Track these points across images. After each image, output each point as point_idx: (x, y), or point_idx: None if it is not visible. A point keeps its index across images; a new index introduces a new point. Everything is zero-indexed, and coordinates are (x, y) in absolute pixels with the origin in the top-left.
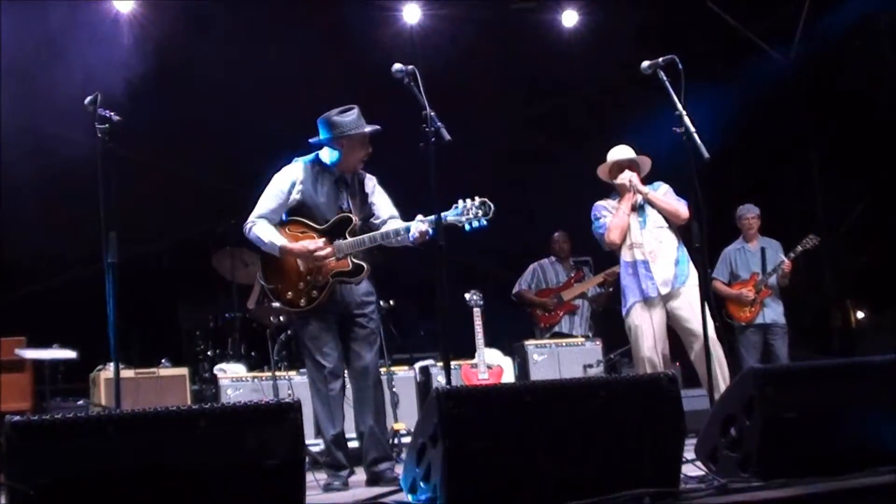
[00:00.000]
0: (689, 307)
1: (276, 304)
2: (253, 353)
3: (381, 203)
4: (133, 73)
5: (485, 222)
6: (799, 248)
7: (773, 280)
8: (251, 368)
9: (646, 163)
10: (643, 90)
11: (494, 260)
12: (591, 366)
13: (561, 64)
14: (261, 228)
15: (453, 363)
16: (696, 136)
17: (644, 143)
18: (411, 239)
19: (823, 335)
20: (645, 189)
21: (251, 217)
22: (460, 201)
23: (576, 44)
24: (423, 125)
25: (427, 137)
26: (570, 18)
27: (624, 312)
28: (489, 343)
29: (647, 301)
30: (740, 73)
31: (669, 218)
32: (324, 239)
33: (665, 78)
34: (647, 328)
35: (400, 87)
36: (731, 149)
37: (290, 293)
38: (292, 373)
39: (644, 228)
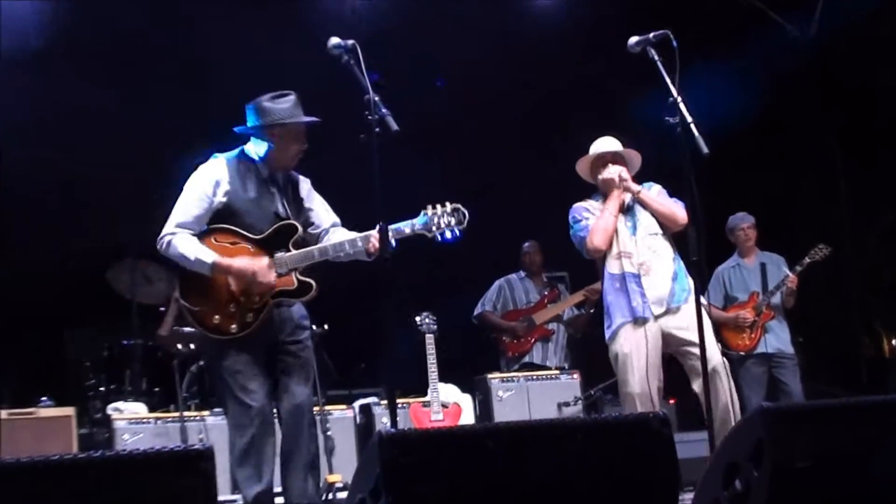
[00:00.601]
0: (694, 326)
1: (189, 329)
2: (156, 389)
3: (320, 209)
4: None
5: (458, 232)
6: (806, 261)
7: (776, 300)
8: (153, 408)
9: (634, 158)
10: (631, 71)
11: (452, 275)
12: (567, 404)
13: (536, 42)
14: (183, 241)
15: (400, 401)
16: (694, 127)
17: (631, 136)
18: (363, 251)
19: (848, 365)
20: (636, 187)
21: (168, 227)
22: (429, 208)
23: (553, 14)
24: (364, 113)
25: (369, 127)
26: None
27: (608, 336)
28: (445, 377)
29: (637, 322)
30: (749, 52)
31: (664, 223)
32: (267, 259)
33: (657, 57)
34: (637, 356)
35: (338, 68)
36: (738, 143)
37: (217, 317)
38: (205, 413)
39: (634, 235)
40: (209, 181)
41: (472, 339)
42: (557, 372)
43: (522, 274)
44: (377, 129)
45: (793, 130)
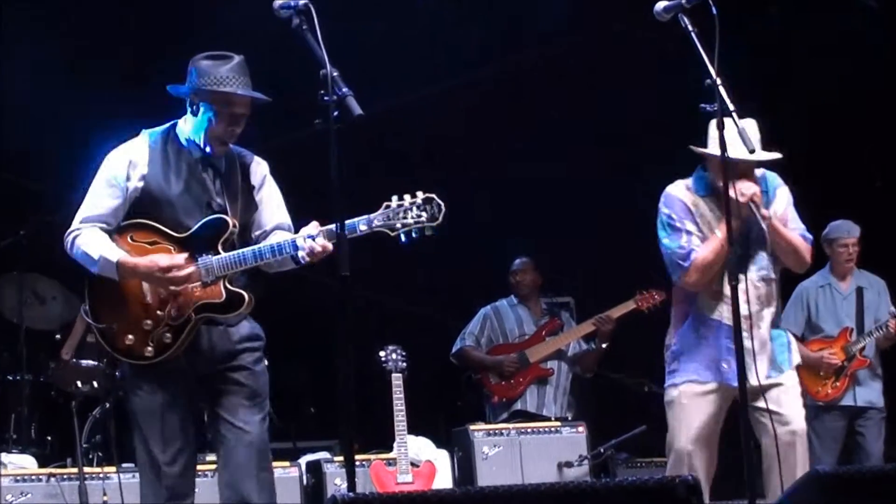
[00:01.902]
0: (788, 395)
1: (89, 363)
2: (49, 438)
3: (268, 204)
4: None
5: (431, 230)
6: None
7: (870, 343)
8: (45, 462)
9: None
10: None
11: (427, 300)
12: (570, 464)
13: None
14: (88, 238)
15: (359, 458)
16: (736, 117)
17: (651, 123)
18: (298, 256)
19: None
20: (767, 213)
21: (75, 222)
22: (394, 199)
23: None
24: (320, 92)
25: (326, 111)
26: None
27: (668, 383)
28: (416, 427)
29: (718, 388)
30: (807, 21)
31: (782, 259)
32: (184, 255)
33: (691, 28)
34: (699, 412)
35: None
36: (797, 136)
37: (129, 336)
38: (110, 469)
39: (743, 275)
40: (121, 163)
41: (451, 381)
42: (558, 424)
43: (514, 300)
44: (335, 113)
45: (863, 118)
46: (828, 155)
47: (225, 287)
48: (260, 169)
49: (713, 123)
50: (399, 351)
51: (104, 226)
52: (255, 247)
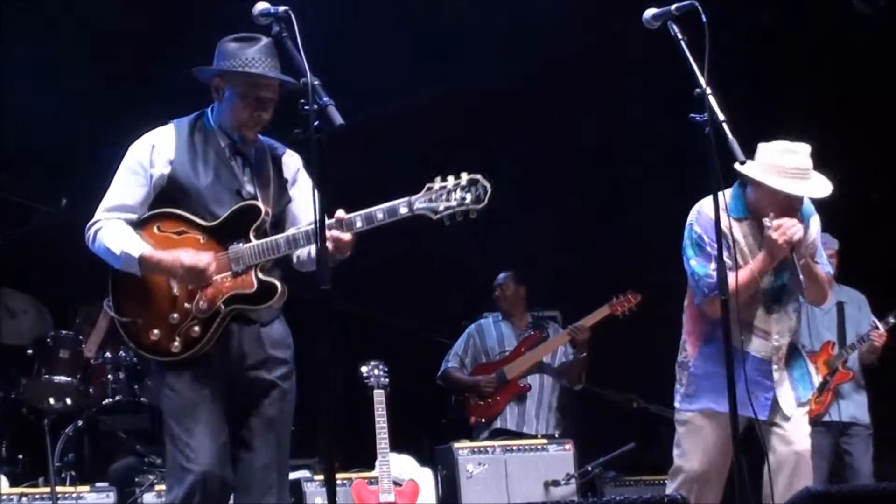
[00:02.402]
0: (795, 422)
1: (63, 379)
2: (20, 456)
3: (302, 200)
4: None
5: (475, 213)
6: (891, 320)
7: (854, 356)
8: (17, 481)
9: (823, 188)
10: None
11: (409, 315)
12: (556, 483)
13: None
14: (111, 232)
15: (340, 477)
16: (727, 128)
17: (641, 135)
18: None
19: None
20: (804, 253)
21: (97, 213)
22: (436, 180)
23: None
24: (300, 101)
25: (307, 121)
26: None
27: (681, 406)
28: (398, 445)
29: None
30: (804, 29)
31: (807, 296)
32: (210, 253)
33: (680, 36)
34: (715, 437)
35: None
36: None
37: (156, 332)
38: (84, 489)
39: (778, 305)
40: (145, 150)
41: (435, 397)
42: (545, 441)
43: (499, 316)
44: (316, 123)
45: (869, 124)
46: (822, 166)
47: (257, 277)
48: (293, 161)
49: (765, 147)
50: (381, 366)
51: (129, 216)
52: (288, 232)
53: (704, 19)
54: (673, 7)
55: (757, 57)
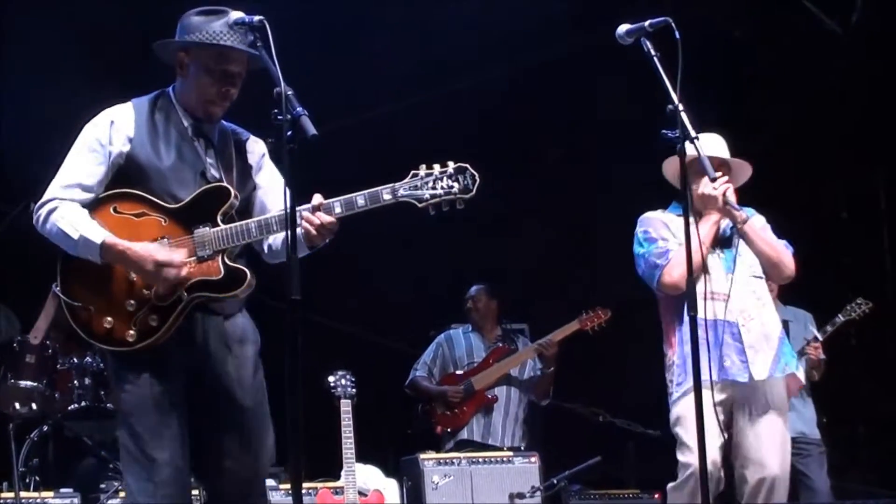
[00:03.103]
0: (769, 420)
1: (29, 384)
2: None
3: (273, 187)
4: None
5: (462, 203)
6: (839, 319)
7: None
8: None
9: (742, 170)
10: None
11: (377, 325)
12: (521, 495)
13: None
14: (66, 214)
15: (306, 485)
16: (699, 145)
17: (611, 153)
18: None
19: (888, 457)
20: (743, 214)
21: (48, 194)
22: (422, 167)
23: None
24: (273, 111)
25: (280, 131)
26: None
27: (676, 395)
28: (364, 455)
29: (723, 386)
30: (775, 50)
31: (767, 267)
32: (184, 251)
33: (654, 52)
34: (709, 420)
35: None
36: (760, 163)
37: (108, 319)
38: (48, 494)
39: (732, 273)
40: (103, 126)
41: (401, 408)
42: (510, 454)
43: (469, 327)
44: (289, 133)
45: (823, 145)
46: (792, 185)
47: (224, 263)
48: (258, 148)
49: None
50: (348, 376)
51: (85, 196)
52: (261, 217)
53: (678, 36)
54: (646, 23)
55: (726, 74)
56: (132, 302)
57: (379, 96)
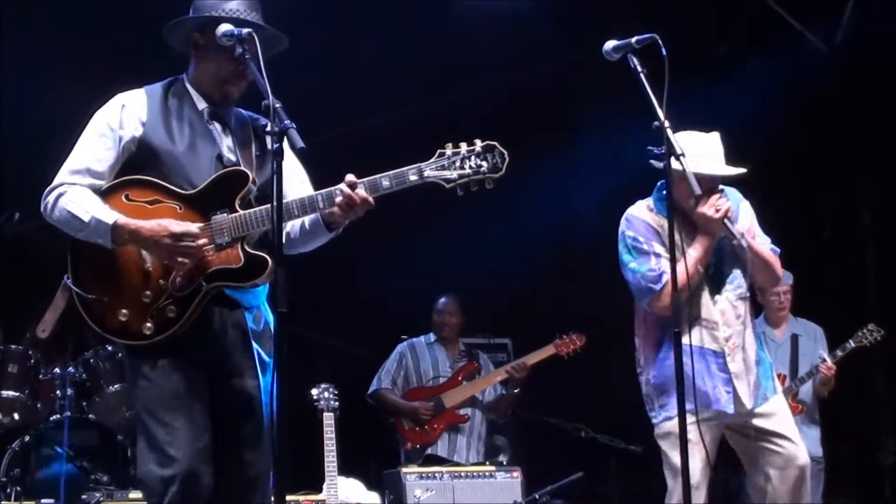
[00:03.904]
0: (783, 420)
1: (10, 394)
2: None
3: (292, 177)
4: None
5: (491, 183)
6: (851, 345)
7: (806, 388)
8: None
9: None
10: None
11: (360, 338)
12: None
13: (474, 33)
14: (76, 197)
15: (288, 498)
16: (685, 161)
17: (595, 168)
18: (326, 210)
19: (869, 477)
20: (740, 232)
21: (58, 178)
22: (448, 146)
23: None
24: (262, 124)
25: (268, 144)
26: None
27: (658, 422)
28: (346, 469)
29: (711, 417)
30: (759, 67)
31: (756, 278)
32: (198, 223)
33: (640, 69)
34: (699, 447)
35: None
36: (742, 181)
37: (123, 311)
38: None
39: (719, 295)
40: (114, 110)
41: (385, 421)
42: (493, 468)
43: (432, 338)
44: (276, 146)
45: (807, 164)
46: (775, 202)
47: (244, 250)
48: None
49: (675, 136)
50: (331, 389)
51: (95, 181)
52: (283, 202)
53: (664, 53)
54: (633, 40)
55: (708, 96)
56: (148, 293)
57: (376, 104)
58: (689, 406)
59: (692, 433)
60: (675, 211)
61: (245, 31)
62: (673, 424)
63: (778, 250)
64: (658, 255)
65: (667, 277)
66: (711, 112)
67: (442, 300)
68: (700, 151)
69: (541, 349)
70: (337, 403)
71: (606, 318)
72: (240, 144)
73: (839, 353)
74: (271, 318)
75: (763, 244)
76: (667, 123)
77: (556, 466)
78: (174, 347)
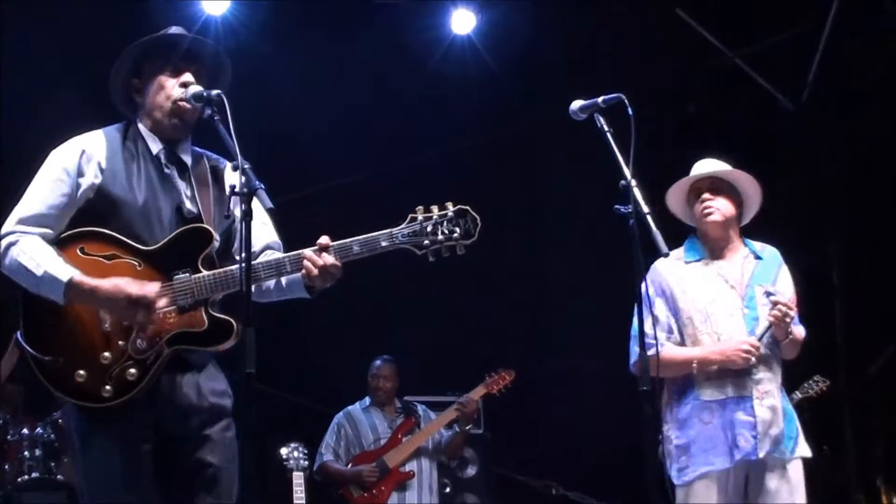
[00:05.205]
0: (792, 489)
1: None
2: None
3: (254, 220)
4: None
5: (463, 249)
6: (797, 396)
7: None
8: None
9: (752, 190)
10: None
11: (329, 397)
12: None
13: (444, 92)
14: (28, 248)
15: None
16: (650, 219)
17: (562, 227)
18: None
19: None
20: (795, 324)
21: (6, 226)
22: (419, 210)
23: (469, 62)
24: (231, 185)
25: (236, 203)
26: (463, 22)
27: (679, 482)
28: None
29: (735, 469)
30: (726, 124)
31: (784, 356)
32: (157, 284)
33: (607, 128)
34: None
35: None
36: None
37: (80, 372)
38: None
39: (756, 336)
40: (73, 155)
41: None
42: None
43: (367, 402)
44: (243, 207)
45: (776, 222)
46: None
47: (208, 313)
48: (235, 177)
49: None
50: (301, 448)
51: (46, 231)
52: (260, 262)
53: (630, 112)
54: (600, 99)
55: (677, 148)
56: (107, 355)
57: (344, 163)
58: (706, 467)
59: (707, 490)
60: (706, 250)
61: (214, 92)
62: (690, 490)
63: (804, 331)
64: (657, 320)
65: (651, 352)
66: (680, 169)
67: (377, 363)
68: (702, 165)
69: (473, 390)
70: (307, 462)
71: (574, 369)
72: (198, 188)
73: (798, 395)
74: (224, 378)
75: (797, 325)
76: (633, 182)
77: None
78: (126, 411)
